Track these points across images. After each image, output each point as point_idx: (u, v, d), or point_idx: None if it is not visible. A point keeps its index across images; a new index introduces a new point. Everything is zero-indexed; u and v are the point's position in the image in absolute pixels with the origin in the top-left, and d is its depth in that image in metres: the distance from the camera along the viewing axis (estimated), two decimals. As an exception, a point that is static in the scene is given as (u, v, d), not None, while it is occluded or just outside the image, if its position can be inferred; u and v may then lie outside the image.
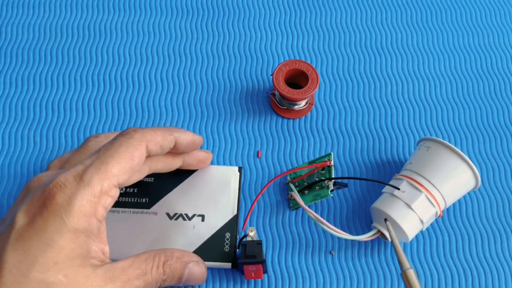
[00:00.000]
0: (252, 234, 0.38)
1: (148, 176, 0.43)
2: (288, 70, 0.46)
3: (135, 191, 0.42)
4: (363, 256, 0.42)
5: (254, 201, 0.42)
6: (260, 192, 0.42)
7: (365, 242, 0.42)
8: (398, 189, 0.40)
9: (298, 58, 0.51)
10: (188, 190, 0.42)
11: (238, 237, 0.41)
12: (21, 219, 0.32)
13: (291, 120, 0.48)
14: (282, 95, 0.46)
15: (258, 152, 0.46)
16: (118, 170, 0.33)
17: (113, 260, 0.40)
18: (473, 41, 0.53)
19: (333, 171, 0.42)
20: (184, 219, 0.41)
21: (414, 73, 0.51)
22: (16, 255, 0.31)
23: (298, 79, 0.47)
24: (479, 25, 0.54)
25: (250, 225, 0.43)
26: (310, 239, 0.42)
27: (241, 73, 0.50)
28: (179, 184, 0.43)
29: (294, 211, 0.43)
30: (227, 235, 0.41)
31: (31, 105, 0.48)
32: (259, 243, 0.38)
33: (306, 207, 0.40)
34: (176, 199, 0.42)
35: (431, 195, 0.39)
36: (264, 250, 0.42)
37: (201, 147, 0.43)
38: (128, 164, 0.34)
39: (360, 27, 0.54)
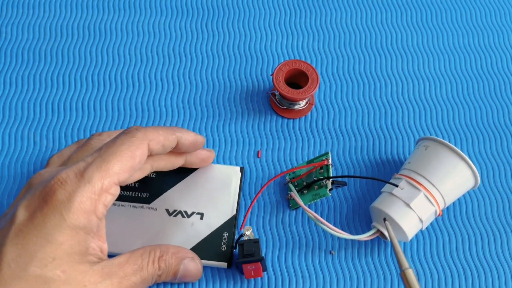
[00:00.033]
0: (248, 233, 0.38)
1: (156, 170, 0.43)
2: (288, 70, 0.46)
3: (136, 185, 0.43)
4: (363, 256, 0.42)
5: (253, 201, 0.42)
6: (258, 192, 0.42)
7: (365, 241, 0.42)
8: (397, 186, 0.40)
9: (298, 58, 0.51)
10: (189, 187, 0.43)
11: (235, 237, 0.41)
12: (21, 214, 0.32)
13: (291, 120, 0.48)
14: (282, 95, 0.46)
15: (258, 152, 0.46)
16: (119, 168, 0.34)
17: (111, 253, 0.40)
18: (473, 41, 0.53)
19: (331, 170, 0.42)
20: (183, 216, 0.41)
21: (414, 73, 0.51)
22: (15, 250, 0.31)
23: (298, 79, 0.47)
24: (479, 25, 0.54)
25: (248, 225, 0.43)
26: (310, 239, 0.42)
27: (241, 73, 0.50)
28: (180, 181, 0.43)
29: (294, 211, 0.43)
30: (225, 234, 0.41)
31: (31, 105, 0.48)
32: (256, 241, 0.38)
33: (306, 207, 0.40)
34: (177, 196, 0.42)
35: (429, 193, 0.39)
36: (264, 250, 0.42)
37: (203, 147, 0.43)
38: (129, 163, 0.34)
39: (360, 27, 0.54)
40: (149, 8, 0.54)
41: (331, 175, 0.42)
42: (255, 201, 0.43)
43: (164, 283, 0.40)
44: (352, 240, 0.42)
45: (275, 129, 0.47)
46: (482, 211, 0.44)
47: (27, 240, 0.31)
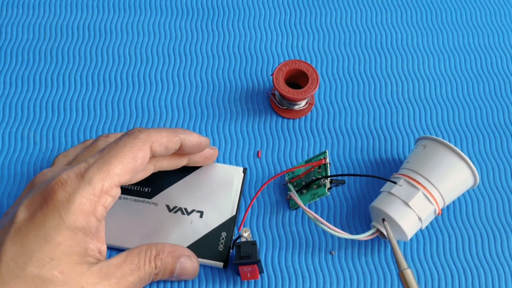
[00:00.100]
0: (246, 234, 0.38)
1: (159, 170, 0.43)
2: (288, 70, 0.46)
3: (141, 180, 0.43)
4: (363, 256, 0.42)
5: (252, 200, 0.42)
6: (258, 192, 0.42)
7: (365, 241, 0.42)
8: (395, 183, 0.40)
9: (298, 58, 0.51)
10: (191, 185, 0.43)
11: (233, 238, 0.41)
12: (21, 213, 0.32)
13: (291, 120, 0.48)
14: (282, 95, 0.46)
15: (258, 152, 0.46)
16: (120, 170, 0.34)
17: (110, 246, 0.40)
18: (473, 41, 0.53)
19: (329, 169, 0.42)
20: (182, 213, 0.42)
21: (414, 73, 0.51)
22: (14, 249, 0.31)
23: (298, 79, 0.47)
24: (479, 25, 0.54)
25: (248, 225, 0.43)
26: (310, 239, 0.42)
27: (241, 73, 0.50)
28: (182, 178, 0.43)
29: (294, 211, 0.43)
30: (223, 234, 0.41)
31: (31, 105, 0.48)
32: (253, 243, 0.38)
33: (305, 207, 0.40)
34: (178, 193, 0.42)
35: (428, 192, 0.39)
36: (263, 250, 0.42)
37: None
38: (130, 165, 0.34)
39: (360, 27, 0.54)
40: (149, 8, 0.54)
41: (329, 174, 0.42)
42: (254, 200, 0.43)
43: (161, 282, 0.40)
44: (352, 240, 0.42)
45: (275, 129, 0.47)
46: (482, 211, 0.44)
47: (26, 239, 0.31)
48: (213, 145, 0.46)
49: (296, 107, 0.47)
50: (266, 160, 0.46)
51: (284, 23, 0.54)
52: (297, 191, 0.43)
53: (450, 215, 0.44)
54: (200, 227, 0.41)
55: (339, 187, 0.45)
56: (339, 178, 0.43)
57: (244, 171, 0.44)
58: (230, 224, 0.41)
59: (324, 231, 0.42)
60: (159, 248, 0.37)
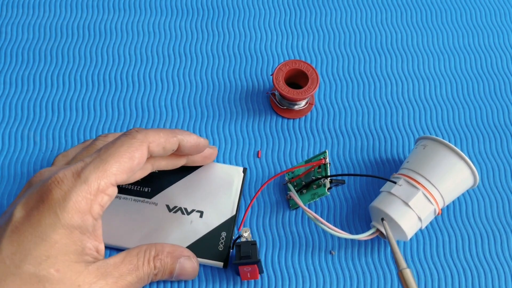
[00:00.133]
0: (246, 234, 0.38)
1: (158, 170, 0.43)
2: (288, 70, 0.46)
3: (139, 179, 0.43)
4: (363, 256, 0.42)
5: (252, 200, 0.42)
6: (257, 191, 0.42)
7: (365, 241, 0.42)
8: (395, 183, 0.40)
9: (298, 58, 0.51)
10: (191, 185, 0.43)
11: (233, 237, 0.41)
12: (18, 212, 0.32)
13: (291, 120, 0.48)
14: (282, 95, 0.46)
15: (258, 152, 0.46)
16: (117, 169, 0.34)
17: (109, 245, 0.40)
18: (473, 41, 0.53)
19: (328, 168, 0.42)
20: (182, 213, 0.42)
21: (414, 73, 0.51)
22: (10, 247, 0.31)
23: (298, 79, 0.47)
24: (479, 25, 0.54)
25: (248, 225, 0.43)
26: (310, 239, 0.42)
27: (241, 73, 0.50)
28: (182, 178, 0.43)
29: (294, 211, 0.43)
30: (223, 234, 0.41)
31: (31, 105, 0.48)
32: (253, 243, 0.38)
33: (305, 207, 0.40)
34: (178, 192, 0.42)
35: (428, 192, 0.39)
36: (263, 250, 0.42)
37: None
38: (127, 164, 0.34)
39: (360, 27, 0.54)
40: (149, 8, 0.54)
41: (329, 174, 0.42)
42: (254, 200, 0.43)
43: (161, 282, 0.40)
44: (352, 240, 0.42)
45: (275, 129, 0.47)
46: (482, 211, 0.44)
47: (22, 238, 0.31)
48: (213, 145, 0.46)
49: (296, 107, 0.47)
50: (266, 160, 0.46)
51: (284, 23, 0.54)
52: (297, 191, 0.43)
53: (450, 215, 0.44)
54: (200, 227, 0.41)
55: (339, 187, 0.45)
56: (339, 178, 0.43)
57: (244, 171, 0.44)
58: (230, 224, 0.41)
59: (324, 231, 0.42)
60: (158, 249, 0.37)
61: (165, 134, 0.37)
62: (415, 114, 0.49)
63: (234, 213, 0.42)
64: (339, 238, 0.42)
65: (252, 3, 0.55)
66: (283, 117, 0.48)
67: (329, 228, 0.39)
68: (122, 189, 0.42)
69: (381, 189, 0.41)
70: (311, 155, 0.46)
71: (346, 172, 0.46)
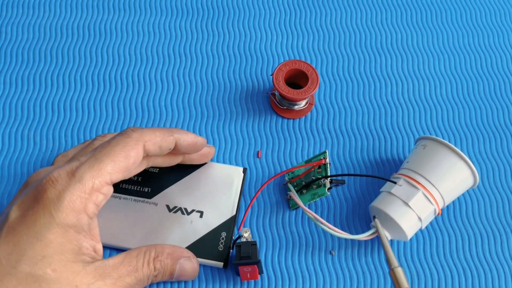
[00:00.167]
0: (246, 235, 0.38)
1: (153, 167, 0.43)
2: (288, 70, 0.46)
3: (139, 179, 0.43)
4: (363, 256, 0.42)
5: (252, 199, 0.42)
6: (257, 191, 0.42)
7: (365, 241, 0.42)
8: (395, 183, 0.40)
9: (298, 58, 0.51)
10: (191, 185, 0.43)
11: (233, 238, 0.41)
12: (14, 212, 0.32)
13: (291, 120, 0.48)
14: (282, 95, 0.46)
15: (258, 152, 0.46)
16: (112, 168, 0.34)
17: (109, 246, 0.40)
18: (473, 41, 0.53)
19: (329, 169, 0.42)
20: (182, 213, 0.42)
21: (414, 73, 0.51)
22: (6, 247, 0.31)
23: (298, 79, 0.47)
24: (479, 25, 0.54)
25: (248, 225, 0.43)
26: (310, 239, 0.42)
27: (241, 73, 0.50)
28: (182, 178, 0.43)
29: (294, 211, 0.43)
30: (223, 234, 0.41)
31: (31, 105, 0.48)
32: (253, 243, 0.38)
33: (305, 207, 0.40)
34: (178, 193, 0.42)
35: (428, 192, 0.39)
36: (263, 250, 0.42)
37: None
38: (122, 163, 0.34)
39: (360, 27, 0.54)
40: (149, 8, 0.54)
41: (329, 174, 0.42)
42: (254, 200, 0.43)
43: (160, 282, 0.40)
44: (352, 240, 0.42)
45: (275, 129, 0.47)
46: (482, 211, 0.44)
47: (18, 238, 0.31)
48: (214, 145, 0.46)
49: (296, 107, 0.47)
50: (266, 160, 0.46)
51: (284, 23, 0.54)
52: (297, 191, 0.43)
53: (450, 215, 0.44)
54: (200, 227, 0.41)
55: (339, 187, 0.45)
56: (339, 178, 0.43)
57: (244, 171, 0.44)
58: (230, 224, 0.41)
59: (324, 231, 0.42)
60: (158, 250, 0.37)
61: (162, 133, 0.37)
62: (415, 114, 0.49)
63: (234, 213, 0.42)
64: (339, 238, 0.42)
65: (252, 3, 0.55)
66: (283, 117, 0.48)
67: (329, 228, 0.39)
68: (122, 189, 0.43)
69: (381, 189, 0.41)
70: (311, 155, 0.46)
71: (346, 172, 0.46)
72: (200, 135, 0.47)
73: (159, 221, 0.41)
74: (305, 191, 0.42)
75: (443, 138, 0.47)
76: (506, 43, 0.53)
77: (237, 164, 0.45)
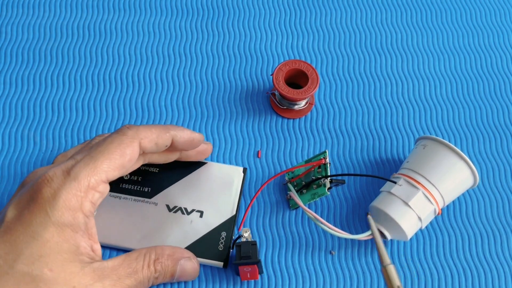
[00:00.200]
0: (246, 235, 0.38)
1: (153, 166, 0.43)
2: (288, 70, 0.46)
3: (139, 179, 0.43)
4: (363, 256, 0.42)
5: (252, 199, 0.42)
6: (257, 191, 0.42)
7: (365, 241, 0.42)
8: (395, 183, 0.40)
9: (298, 58, 0.51)
10: (191, 184, 0.43)
11: (233, 237, 0.41)
12: (10, 212, 0.32)
13: (291, 120, 0.48)
14: (282, 95, 0.46)
15: (258, 152, 0.46)
16: (108, 166, 0.34)
17: (109, 245, 0.40)
18: (473, 41, 0.53)
19: (328, 168, 0.42)
20: (182, 213, 0.42)
21: (414, 73, 0.51)
22: (3, 247, 0.31)
23: (298, 79, 0.47)
24: (479, 25, 0.54)
25: (248, 225, 0.43)
26: (310, 239, 0.42)
27: (241, 73, 0.50)
28: (182, 177, 0.43)
29: (294, 211, 0.43)
30: (223, 234, 0.41)
31: (31, 105, 0.48)
32: (253, 243, 0.38)
33: (305, 207, 0.40)
34: (178, 192, 0.42)
35: (428, 192, 0.39)
36: (263, 250, 0.42)
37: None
38: (118, 161, 0.34)
39: (360, 27, 0.54)
40: (149, 8, 0.54)
41: (329, 174, 0.42)
42: (254, 200, 0.43)
43: (159, 284, 0.40)
44: (352, 240, 0.42)
45: (275, 129, 0.47)
46: (482, 211, 0.44)
47: (14, 237, 0.31)
48: (214, 145, 0.46)
49: (296, 107, 0.47)
50: (266, 160, 0.46)
51: (284, 23, 0.54)
52: (297, 191, 0.42)
53: (450, 215, 0.44)
54: (200, 227, 0.41)
55: (339, 187, 0.45)
56: (339, 178, 0.43)
57: (244, 171, 0.44)
58: (230, 224, 0.41)
59: (324, 231, 0.42)
60: (158, 252, 0.37)
61: (157, 130, 0.37)
62: (415, 114, 0.49)
63: (234, 213, 0.42)
64: (339, 238, 0.42)
65: (252, 3, 0.55)
66: (283, 117, 0.48)
67: (329, 228, 0.39)
68: (122, 189, 0.43)
69: (381, 189, 0.41)
70: (311, 155, 0.46)
71: (346, 172, 0.46)
72: (200, 132, 0.46)
73: (159, 221, 0.41)
74: (305, 191, 0.42)
75: (443, 138, 0.47)
76: (506, 43, 0.53)
77: (237, 164, 0.45)
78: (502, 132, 0.48)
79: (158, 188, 0.43)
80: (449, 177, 0.40)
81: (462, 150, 0.47)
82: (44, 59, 0.50)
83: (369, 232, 0.40)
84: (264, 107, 0.48)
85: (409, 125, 0.48)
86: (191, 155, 0.42)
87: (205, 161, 0.44)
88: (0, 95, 0.48)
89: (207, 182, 0.43)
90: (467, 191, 0.45)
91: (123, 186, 0.43)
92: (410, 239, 0.42)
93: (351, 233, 0.42)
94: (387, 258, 0.36)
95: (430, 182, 0.40)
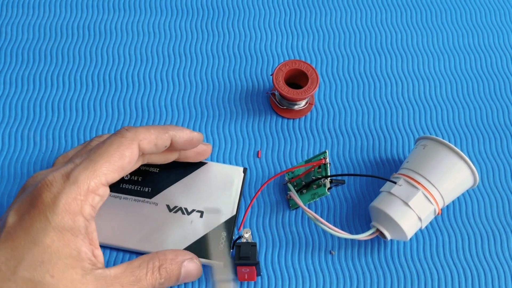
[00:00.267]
0: (247, 235, 0.38)
1: (153, 166, 0.43)
2: (288, 70, 0.46)
3: (139, 179, 0.43)
4: (363, 256, 0.42)
5: (252, 199, 0.42)
6: (257, 191, 0.42)
7: (365, 241, 0.42)
8: (395, 183, 0.40)
9: (298, 58, 0.51)
10: (191, 185, 0.43)
11: (233, 238, 0.41)
12: (11, 217, 0.32)
13: (291, 120, 0.48)
14: (282, 95, 0.46)
15: (258, 152, 0.46)
16: (107, 169, 0.34)
17: (110, 245, 0.40)
18: (473, 41, 0.53)
19: (328, 168, 0.42)
20: (183, 213, 0.42)
21: (414, 73, 0.51)
22: (5, 253, 0.31)
23: (298, 79, 0.47)
24: (479, 25, 0.54)
25: (248, 225, 0.43)
26: (310, 239, 0.42)
27: (241, 73, 0.50)
28: (183, 177, 0.43)
29: (294, 211, 0.43)
30: (223, 234, 0.41)
31: (31, 105, 0.48)
32: (253, 245, 0.38)
33: (305, 207, 0.40)
34: (178, 192, 0.42)
35: (428, 192, 0.39)
36: (263, 250, 0.42)
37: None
38: (118, 163, 0.34)
39: (360, 27, 0.54)
40: (149, 8, 0.54)
41: (329, 174, 0.42)
42: (254, 200, 0.43)
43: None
44: (352, 240, 0.42)
45: (275, 129, 0.47)
46: (482, 211, 0.44)
47: (16, 243, 0.31)
48: (213, 145, 0.46)
49: (296, 107, 0.47)
50: (266, 160, 0.46)
51: (284, 23, 0.54)
52: (297, 191, 0.42)
53: (450, 215, 0.44)
54: (200, 227, 0.41)
55: (339, 187, 0.45)
56: (339, 178, 0.43)
57: (244, 171, 0.44)
58: (230, 224, 0.41)
59: (324, 231, 0.42)
60: (161, 258, 0.36)
61: (156, 130, 0.37)
62: (415, 114, 0.49)
63: (234, 213, 0.42)
64: (339, 238, 0.42)
65: (252, 3, 0.55)
66: (283, 117, 0.48)
67: (329, 228, 0.39)
68: (123, 189, 0.43)
69: (381, 189, 0.41)
70: (311, 155, 0.46)
71: (346, 172, 0.46)
72: (199, 132, 0.46)
73: (159, 221, 0.41)
74: (305, 191, 0.42)
75: (443, 138, 0.47)
76: (506, 43, 0.53)
77: (237, 164, 0.45)
78: (502, 132, 0.48)
79: (158, 188, 0.43)
80: (449, 177, 0.40)
81: (462, 150, 0.47)
82: (44, 59, 0.50)
83: (369, 232, 0.40)
84: (264, 107, 0.48)
85: (409, 125, 0.48)
86: (190, 156, 0.42)
87: (205, 161, 0.44)
88: (0, 95, 0.48)
89: (207, 182, 0.43)
90: (467, 191, 0.45)
91: (123, 186, 0.43)
92: (410, 239, 0.42)
93: (351, 233, 0.42)
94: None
95: (430, 182, 0.40)
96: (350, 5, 0.55)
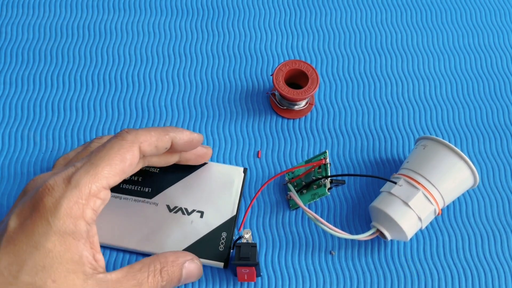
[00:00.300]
0: (247, 236, 0.38)
1: (153, 167, 0.43)
2: (288, 70, 0.46)
3: (139, 179, 0.43)
4: (363, 256, 0.42)
5: (252, 200, 0.42)
6: (258, 191, 0.42)
7: (365, 241, 0.42)
8: (395, 183, 0.40)
9: (298, 58, 0.51)
10: (191, 185, 0.43)
11: (234, 238, 0.41)
12: (13, 222, 0.32)
13: (291, 120, 0.48)
14: (282, 95, 0.46)
15: (258, 152, 0.46)
16: (108, 172, 0.33)
17: (110, 246, 0.40)
18: (473, 41, 0.53)
19: (329, 169, 0.42)
20: (183, 213, 0.42)
21: (414, 73, 0.51)
22: (7, 257, 0.31)
23: (298, 79, 0.47)
24: (479, 25, 0.54)
25: (248, 225, 0.43)
26: (310, 239, 0.42)
27: (241, 73, 0.50)
28: (183, 178, 0.43)
29: (294, 211, 0.43)
30: (224, 234, 0.41)
31: (31, 105, 0.48)
32: (253, 245, 0.38)
33: (305, 207, 0.40)
34: (178, 193, 0.42)
35: (428, 192, 0.39)
36: (263, 250, 0.42)
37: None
38: (119, 166, 0.34)
39: (360, 27, 0.54)
40: (149, 8, 0.54)
41: (329, 174, 0.42)
42: (254, 200, 0.43)
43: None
44: (352, 240, 0.42)
45: (275, 129, 0.47)
46: (482, 211, 0.44)
47: (17, 248, 0.31)
48: (213, 145, 0.46)
49: (296, 107, 0.47)
50: (266, 160, 0.46)
51: (284, 23, 0.54)
52: (297, 191, 0.43)
53: (450, 215, 0.44)
54: (201, 227, 0.41)
55: (339, 187, 0.45)
56: (339, 178, 0.43)
57: (245, 171, 0.44)
58: (230, 224, 0.41)
59: (324, 231, 0.42)
60: (162, 261, 0.36)
61: (157, 133, 0.37)
62: (415, 114, 0.49)
63: (234, 213, 0.42)
64: (339, 238, 0.42)
65: (252, 3, 0.55)
66: (283, 117, 0.48)
67: (329, 228, 0.39)
68: (123, 190, 0.43)
69: (381, 189, 0.41)
70: (311, 155, 0.46)
71: (346, 172, 0.46)
72: (199, 133, 0.46)
73: (159, 221, 0.41)
74: (305, 191, 0.42)
75: (443, 138, 0.47)
76: (506, 43, 0.53)
77: (237, 164, 0.45)
78: (502, 132, 0.48)
79: (158, 188, 0.43)
80: (449, 177, 0.40)
81: (462, 150, 0.47)
82: (44, 59, 0.50)
83: (369, 233, 0.40)
84: (264, 107, 0.48)
85: (409, 125, 0.48)
86: (191, 159, 0.42)
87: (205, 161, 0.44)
88: (0, 95, 0.48)
89: (207, 183, 0.43)
90: (467, 191, 0.45)
91: (124, 186, 0.43)
92: (410, 239, 0.42)
93: (351, 233, 0.42)
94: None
95: (430, 182, 0.40)
96: (350, 5, 0.55)
